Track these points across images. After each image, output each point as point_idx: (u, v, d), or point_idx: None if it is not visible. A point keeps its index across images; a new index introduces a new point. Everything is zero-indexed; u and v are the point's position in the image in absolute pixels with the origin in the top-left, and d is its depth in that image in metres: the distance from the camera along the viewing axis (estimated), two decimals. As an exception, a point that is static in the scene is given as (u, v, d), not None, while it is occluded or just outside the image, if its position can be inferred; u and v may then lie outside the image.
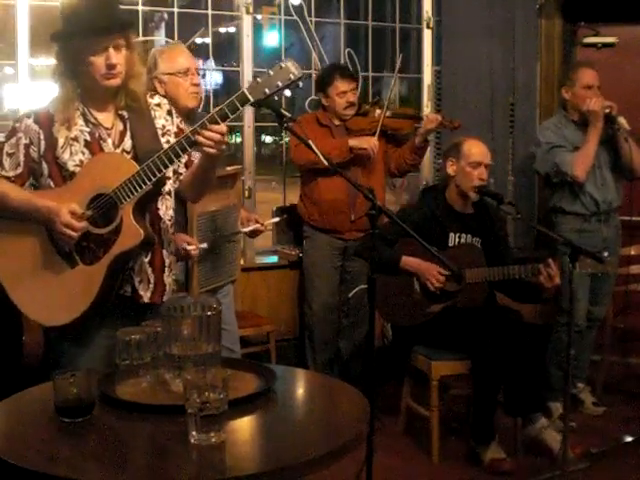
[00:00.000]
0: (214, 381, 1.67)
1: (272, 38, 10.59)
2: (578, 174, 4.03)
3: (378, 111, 4.32)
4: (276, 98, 2.36)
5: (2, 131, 4.85)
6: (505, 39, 5.07)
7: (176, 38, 4.51)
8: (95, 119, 2.39)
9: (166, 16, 4.82)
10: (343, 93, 4.24)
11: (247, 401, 1.85)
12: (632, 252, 4.52)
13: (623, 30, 4.95)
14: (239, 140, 5.36)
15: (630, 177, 4.20)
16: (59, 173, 2.36)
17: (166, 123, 2.50)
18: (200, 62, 5.04)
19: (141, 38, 4.55)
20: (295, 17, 4.86)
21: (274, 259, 4.86)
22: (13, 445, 1.68)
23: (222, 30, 9.97)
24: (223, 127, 2.26)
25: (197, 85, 3.23)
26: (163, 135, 2.48)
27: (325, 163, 2.56)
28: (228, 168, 3.38)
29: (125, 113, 2.44)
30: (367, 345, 3.96)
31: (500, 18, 5.04)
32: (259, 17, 6.02)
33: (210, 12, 4.70)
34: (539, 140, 4.21)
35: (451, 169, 3.77)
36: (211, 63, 5.16)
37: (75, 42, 2.31)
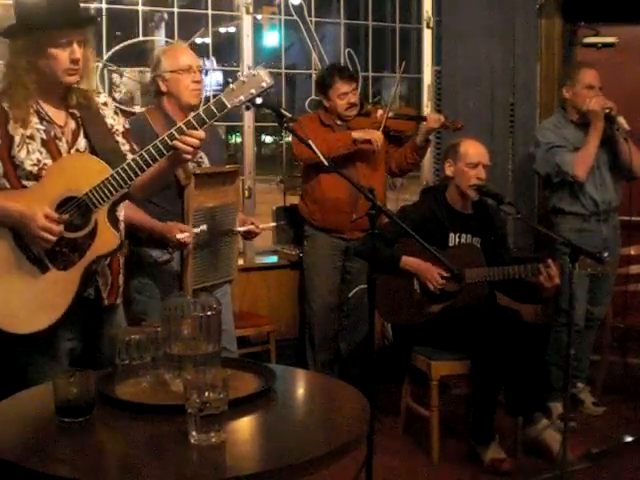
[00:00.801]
0: (214, 381, 1.67)
1: (272, 38, 10.58)
2: (579, 174, 4.03)
3: (380, 112, 4.31)
4: (248, 107, 2.40)
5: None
6: (505, 39, 5.07)
7: (176, 38, 4.50)
8: (49, 117, 2.35)
9: (166, 16, 4.82)
10: (344, 94, 4.24)
11: (247, 401, 1.85)
12: (632, 252, 4.52)
13: (623, 30, 4.95)
14: (239, 140, 5.36)
15: (629, 177, 4.19)
16: (14, 173, 2.29)
17: (114, 122, 2.50)
18: (201, 62, 5.03)
19: (141, 38, 4.55)
20: (295, 17, 4.85)
21: (274, 259, 4.86)
22: (13, 445, 1.68)
23: (222, 30, 9.97)
24: (201, 133, 2.27)
25: (198, 82, 3.24)
26: (112, 134, 2.47)
27: (325, 163, 2.56)
28: (227, 166, 3.39)
29: (77, 112, 2.41)
30: (367, 345, 3.96)
31: (500, 18, 5.04)
32: (259, 17, 6.02)
33: (210, 12, 4.70)
34: (538, 140, 4.21)
35: (449, 170, 3.78)
36: (213, 63, 5.16)
37: (38, 35, 2.26)
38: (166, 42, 5.00)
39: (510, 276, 3.61)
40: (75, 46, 2.29)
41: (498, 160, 4.99)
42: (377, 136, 4.12)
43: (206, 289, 3.19)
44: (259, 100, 2.32)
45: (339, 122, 4.30)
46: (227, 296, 3.44)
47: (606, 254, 3.28)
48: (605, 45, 4.93)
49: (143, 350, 2.02)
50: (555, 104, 4.89)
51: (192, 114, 2.30)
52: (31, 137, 2.31)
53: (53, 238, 2.23)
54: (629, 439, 3.79)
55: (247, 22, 4.66)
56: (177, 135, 2.26)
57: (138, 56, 4.79)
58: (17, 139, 2.29)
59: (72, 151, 2.37)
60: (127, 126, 2.54)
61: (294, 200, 4.65)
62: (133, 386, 1.96)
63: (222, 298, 3.34)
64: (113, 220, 2.35)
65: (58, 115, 2.38)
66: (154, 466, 1.62)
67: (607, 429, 3.97)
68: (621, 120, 3.99)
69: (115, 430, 1.80)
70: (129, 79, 4.40)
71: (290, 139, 4.51)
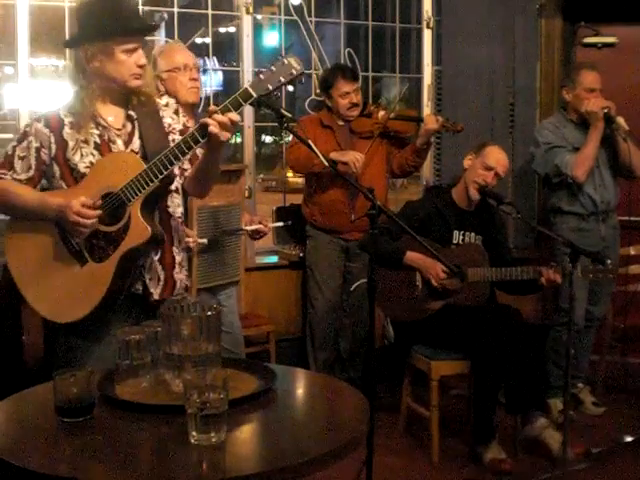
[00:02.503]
0: (214, 381, 1.67)
1: (272, 38, 10.61)
2: (578, 175, 4.03)
3: (382, 112, 4.31)
4: (277, 96, 2.37)
5: (2, 131, 4.86)
6: (505, 39, 5.07)
7: (176, 38, 4.51)
8: (105, 121, 2.43)
9: (166, 16, 4.82)
10: (346, 94, 4.24)
11: (247, 401, 1.85)
12: (632, 252, 4.52)
13: (623, 30, 4.95)
14: (239, 140, 5.36)
15: (628, 176, 4.19)
16: (70, 175, 2.40)
17: (172, 122, 2.53)
18: (202, 61, 5.04)
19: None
20: (295, 17, 4.86)
21: (274, 259, 4.86)
22: (13, 445, 1.68)
23: (222, 30, 9.98)
24: (235, 116, 2.26)
25: (195, 80, 3.24)
26: (169, 133, 2.51)
27: (325, 164, 2.56)
28: (232, 165, 3.40)
29: (134, 114, 2.47)
30: (367, 345, 3.96)
31: (500, 18, 5.04)
32: (259, 17, 6.02)
33: (210, 12, 4.70)
34: (537, 140, 4.20)
35: (467, 162, 3.83)
36: (214, 63, 5.16)
37: (108, 41, 2.34)
38: (166, 42, 5.00)
39: (512, 277, 3.62)
40: (140, 51, 2.38)
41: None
42: (355, 158, 4.06)
43: (211, 290, 3.19)
44: (291, 88, 2.29)
45: (340, 122, 4.29)
46: (232, 299, 3.43)
47: (609, 261, 3.28)
48: (605, 45, 4.93)
49: (143, 350, 2.02)
50: (555, 104, 4.89)
51: (220, 106, 2.27)
52: (85, 141, 2.40)
53: (88, 222, 2.29)
54: (629, 439, 3.80)
55: (247, 22, 4.66)
56: (205, 122, 2.25)
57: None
58: (71, 144, 2.39)
59: (127, 151, 2.43)
60: (188, 124, 2.56)
61: (294, 200, 4.64)
62: (133, 386, 1.96)
63: (228, 300, 3.35)
64: (150, 214, 2.39)
65: (117, 119, 2.45)
66: (154, 466, 1.62)
67: (607, 429, 3.98)
68: (620, 120, 3.99)
69: (115, 430, 1.80)
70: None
71: (290, 139, 4.50)
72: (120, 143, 2.43)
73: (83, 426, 1.76)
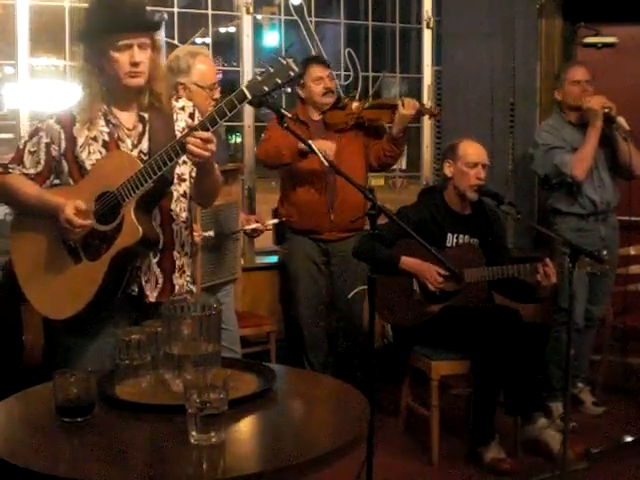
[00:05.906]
0: (214, 381, 1.67)
1: (272, 38, 10.60)
2: (577, 174, 4.03)
3: (356, 104, 4.27)
4: (275, 97, 2.35)
5: (2, 131, 4.87)
6: (505, 39, 5.07)
7: (176, 38, 4.51)
8: (117, 119, 2.42)
9: (166, 16, 4.81)
10: (319, 79, 4.18)
11: (247, 401, 1.85)
12: (631, 252, 4.52)
13: (623, 30, 4.95)
14: (239, 140, 5.36)
15: (628, 177, 4.20)
16: (78, 172, 2.41)
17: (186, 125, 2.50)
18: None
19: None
20: (295, 17, 4.86)
21: (274, 259, 4.85)
22: (13, 445, 1.68)
23: (222, 30, 9.97)
24: (204, 134, 2.23)
25: (214, 100, 3.24)
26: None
27: (325, 163, 2.56)
28: (229, 165, 3.40)
29: (146, 115, 2.46)
30: (367, 345, 3.95)
31: (500, 18, 5.04)
32: (259, 17, 6.02)
33: (210, 12, 4.70)
34: (536, 142, 4.21)
35: (448, 171, 3.77)
36: (218, 64, 5.15)
37: (101, 38, 2.33)
38: (166, 42, 5.00)
39: (509, 275, 3.61)
40: (135, 49, 2.33)
41: (498, 160, 4.99)
42: (327, 146, 3.94)
43: (211, 289, 3.20)
44: (288, 89, 2.24)
45: (316, 117, 4.23)
46: (230, 296, 3.44)
47: (605, 252, 3.28)
48: (605, 45, 4.93)
49: (143, 350, 2.02)
50: (555, 104, 4.90)
51: (215, 107, 2.27)
52: (94, 139, 2.40)
53: (75, 230, 2.31)
54: (629, 439, 3.80)
55: (247, 22, 4.66)
56: (191, 133, 2.25)
57: (138, 56, 4.77)
58: (80, 140, 2.40)
59: (135, 152, 2.42)
60: None
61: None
62: (133, 386, 1.96)
63: (225, 298, 3.35)
64: (146, 215, 2.37)
65: (128, 118, 2.44)
66: (154, 466, 1.62)
67: (607, 429, 3.98)
68: (621, 120, 4.00)
69: (115, 430, 1.80)
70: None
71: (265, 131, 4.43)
72: (129, 143, 2.43)
73: (83, 426, 1.76)
